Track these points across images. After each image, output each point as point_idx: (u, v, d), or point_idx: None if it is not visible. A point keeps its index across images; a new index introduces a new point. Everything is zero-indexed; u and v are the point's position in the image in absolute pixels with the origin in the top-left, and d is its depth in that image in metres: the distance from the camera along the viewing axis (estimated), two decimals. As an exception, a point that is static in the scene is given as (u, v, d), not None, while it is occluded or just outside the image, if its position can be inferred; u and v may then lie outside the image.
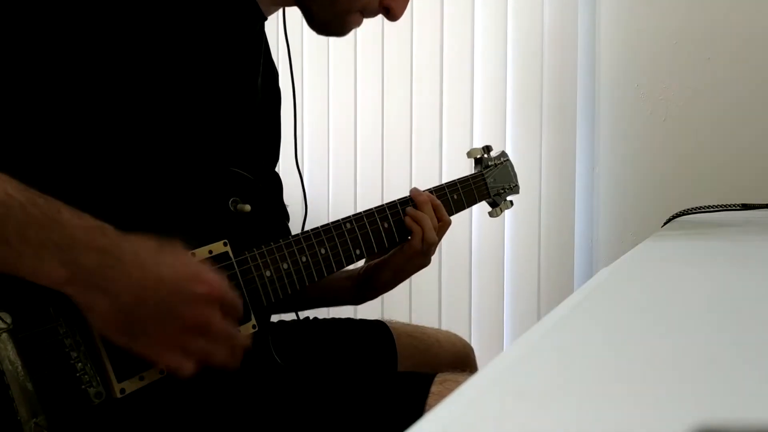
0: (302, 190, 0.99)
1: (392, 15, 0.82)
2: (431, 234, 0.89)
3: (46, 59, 0.63)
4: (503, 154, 1.09)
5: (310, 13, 0.81)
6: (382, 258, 0.92)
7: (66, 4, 0.63)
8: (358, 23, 0.83)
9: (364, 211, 0.87)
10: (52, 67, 0.63)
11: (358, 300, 0.99)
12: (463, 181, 0.99)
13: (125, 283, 0.56)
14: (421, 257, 0.90)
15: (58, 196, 0.63)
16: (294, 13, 0.87)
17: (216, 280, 0.61)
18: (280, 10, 0.88)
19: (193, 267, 0.61)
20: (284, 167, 1.87)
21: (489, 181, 1.04)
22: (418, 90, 1.83)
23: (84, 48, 0.64)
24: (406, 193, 0.92)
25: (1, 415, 0.54)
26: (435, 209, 0.91)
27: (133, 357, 0.60)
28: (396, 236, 0.89)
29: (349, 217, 0.85)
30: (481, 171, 1.04)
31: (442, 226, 0.93)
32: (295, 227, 0.90)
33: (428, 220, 0.89)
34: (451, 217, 0.97)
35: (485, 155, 1.06)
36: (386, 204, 0.89)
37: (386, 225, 0.88)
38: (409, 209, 0.90)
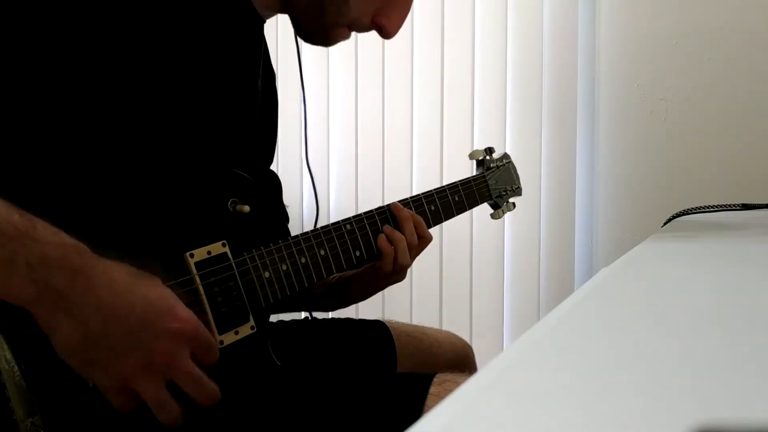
0: (313, 189, 0.99)
1: (385, 33, 0.79)
2: (404, 257, 0.85)
3: (44, 62, 0.63)
4: (506, 155, 1.08)
5: (297, 23, 0.81)
6: (354, 272, 0.90)
7: (66, 9, 0.63)
8: (346, 37, 0.81)
9: (365, 213, 0.86)
10: (51, 70, 0.63)
11: (328, 308, 0.99)
12: (465, 183, 0.99)
13: (95, 308, 0.53)
14: (393, 276, 0.88)
15: (57, 197, 0.63)
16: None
17: (190, 318, 0.58)
18: (283, 14, 0.87)
19: (168, 301, 0.58)
20: (288, 168, 1.88)
21: (491, 183, 1.04)
22: (418, 90, 1.83)
23: (83, 52, 0.64)
24: (407, 194, 0.92)
25: (-2, 416, 0.54)
26: (416, 226, 0.88)
27: None
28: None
29: (349, 218, 0.85)
30: (482, 173, 1.04)
31: (422, 242, 0.89)
32: (295, 228, 0.89)
33: (404, 242, 0.86)
34: (454, 218, 0.97)
35: (487, 157, 1.05)
36: (387, 206, 0.89)
37: (388, 225, 0.87)
38: (386, 228, 0.86)
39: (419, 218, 0.89)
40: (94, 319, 0.53)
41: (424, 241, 0.89)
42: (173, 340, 0.56)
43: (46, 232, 0.53)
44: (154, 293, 0.57)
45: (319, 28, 0.79)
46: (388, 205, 0.88)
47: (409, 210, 0.89)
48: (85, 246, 0.55)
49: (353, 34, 0.82)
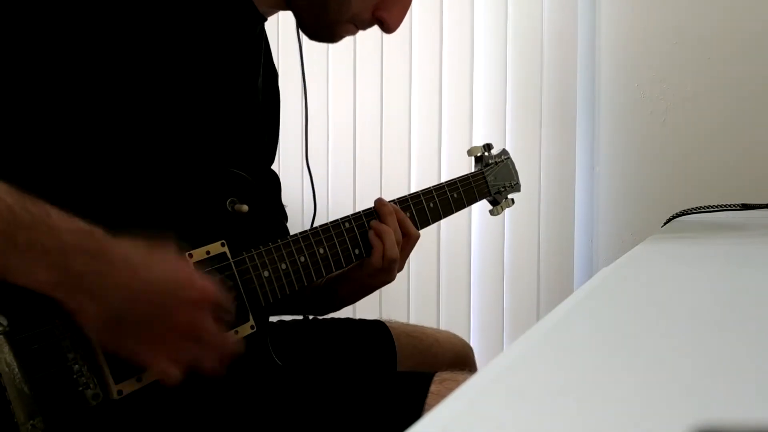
0: (311, 188, 0.98)
1: (386, 27, 0.79)
2: (392, 251, 0.83)
3: (45, 61, 0.63)
4: (504, 152, 1.08)
5: (301, 20, 0.81)
6: (342, 272, 0.87)
7: (66, 8, 0.63)
8: (351, 33, 0.81)
9: (363, 210, 0.86)
10: (51, 70, 0.63)
11: (318, 311, 0.97)
12: (464, 180, 0.99)
13: (115, 287, 0.55)
14: (382, 274, 0.85)
15: (56, 196, 0.63)
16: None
17: (208, 285, 0.60)
18: (284, 12, 0.87)
19: (185, 271, 0.60)
20: (287, 167, 1.88)
21: (489, 179, 1.03)
22: (417, 90, 1.83)
23: (84, 51, 0.64)
24: (405, 193, 0.92)
25: (-2, 417, 0.54)
26: (399, 222, 0.86)
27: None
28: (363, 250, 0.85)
29: (347, 216, 0.85)
30: (481, 169, 1.04)
31: (408, 241, 0.87)
32: (297, 227, 0.89)
33: (391, 234, 0.84)
34: (452, 216, 0.96)
35: (486, 153, 1.05)
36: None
37: (375, 219, 0.86)
38: (374, 222, 0.85)
39: (403, 215, 0.87)
40: (115, 299, 0.55)
41: (409, 239, 0.87)
42: (194, 309, 0.59)
43: (61, 218, 0.54)
44: (171, 266, 0.59)
45: (322, 24, 0.79)
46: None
47: (393, 205, 0.87)
48: (99, 229, 0.56)
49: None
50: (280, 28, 1.77)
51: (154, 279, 0.57)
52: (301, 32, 0.84)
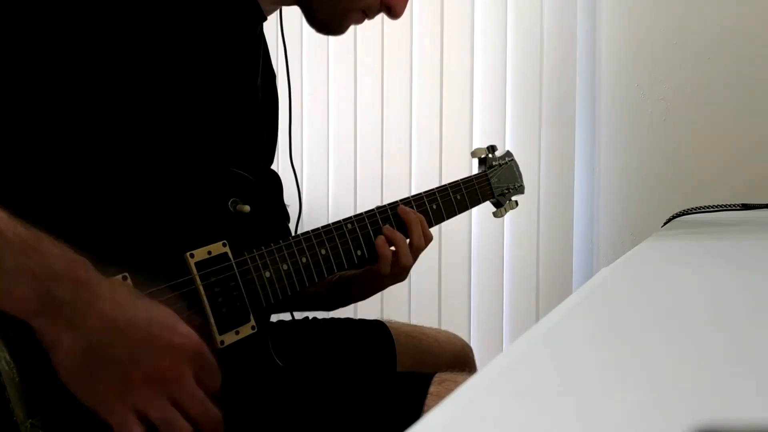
0: (297, 189, 0.98)
1: (393, 13, 0.82)
2: (407, 258, 0.86)
3: (45, 62, 0.63)
4: (508, 153, 1.08)
5: (311, 11, 0.81)
6: (355, 272, 0.89)
7: (66, 7, 0.63)
8: (358, 22, 0.83)
9: (366, 212, 0.86)
10: (52, 70, 0.63)
11: (327, 307, 0.99)
12: (467, 182, 0.99)
13: (98, 320, 0.53)
14: (392, 278, 0.88)
15: (59, 197, 0.63)
16: (294, 12, 0.87)
17: (193, 336, 0.57)
18: (279, 10, 0.88)
19: (171, 318, 0.57)
20: (286, 167, 1.88)
21: (493, 181, 1.03)
22: (417, 90, 1.83)
23: (83, 50, 0.64)
24: (406, 194, 0.92)
25: (-2, 416, 0.54)
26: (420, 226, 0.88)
27: None
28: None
29: (350, 217, 0.85)
30: (485, 171, 1.03)
31: (425, 243, 0.89)
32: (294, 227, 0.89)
33: (405, 243, 0.86)
34: (453, 218, 0.96)
35: (489, 155, 1.05)
36: (388, 204, 0.89)
37: (388, 226, 0.87)
38: (386, 229, 0.85)
39: (422, 217, 0.89)
40: (97, 330, 0.53)
41: (427, 241, 0.90)
42: (177, 357, 0.55)
43: (52, 245, 0.53)
44: (157, 310, 0.57)
45: (335, 14, 0.81)
46: (390, 205, 0.88)
47: (414, 212, 0.88)
48: (88, 260, 0.55)
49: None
50: (277, 29, 1.77)
51: (139, 316, 0.55)
52: (287, 32, 0.85)
